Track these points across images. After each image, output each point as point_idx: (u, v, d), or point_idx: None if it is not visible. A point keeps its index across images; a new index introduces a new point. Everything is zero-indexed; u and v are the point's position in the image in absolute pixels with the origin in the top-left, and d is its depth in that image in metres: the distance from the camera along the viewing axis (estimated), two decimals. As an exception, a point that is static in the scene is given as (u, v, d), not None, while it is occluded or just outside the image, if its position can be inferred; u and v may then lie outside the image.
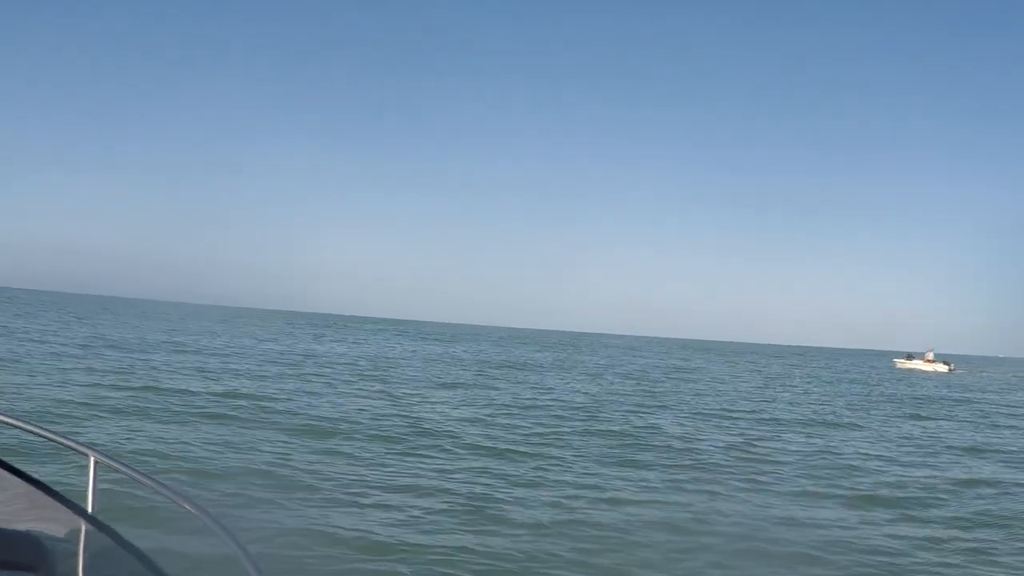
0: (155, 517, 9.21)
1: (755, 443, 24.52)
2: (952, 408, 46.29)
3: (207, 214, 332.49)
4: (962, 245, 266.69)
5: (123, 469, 3.01)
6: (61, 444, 3.18)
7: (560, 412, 29.45)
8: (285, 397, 27.63)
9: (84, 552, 2.97)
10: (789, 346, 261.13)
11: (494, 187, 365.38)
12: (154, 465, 14.60)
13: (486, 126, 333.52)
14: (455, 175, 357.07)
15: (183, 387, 27.80)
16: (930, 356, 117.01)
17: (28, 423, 3.20)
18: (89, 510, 3.03)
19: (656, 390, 43.94)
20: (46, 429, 3.17)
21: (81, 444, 3.11)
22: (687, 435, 25.48)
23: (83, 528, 2.99)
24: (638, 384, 47.33)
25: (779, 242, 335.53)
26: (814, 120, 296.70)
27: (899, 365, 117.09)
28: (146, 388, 26.32)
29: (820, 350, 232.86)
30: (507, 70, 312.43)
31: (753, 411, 35.15)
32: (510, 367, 56.70)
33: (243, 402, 25.10)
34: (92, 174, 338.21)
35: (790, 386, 56.66)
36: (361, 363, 49.16)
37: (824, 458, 22.63)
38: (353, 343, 76.82)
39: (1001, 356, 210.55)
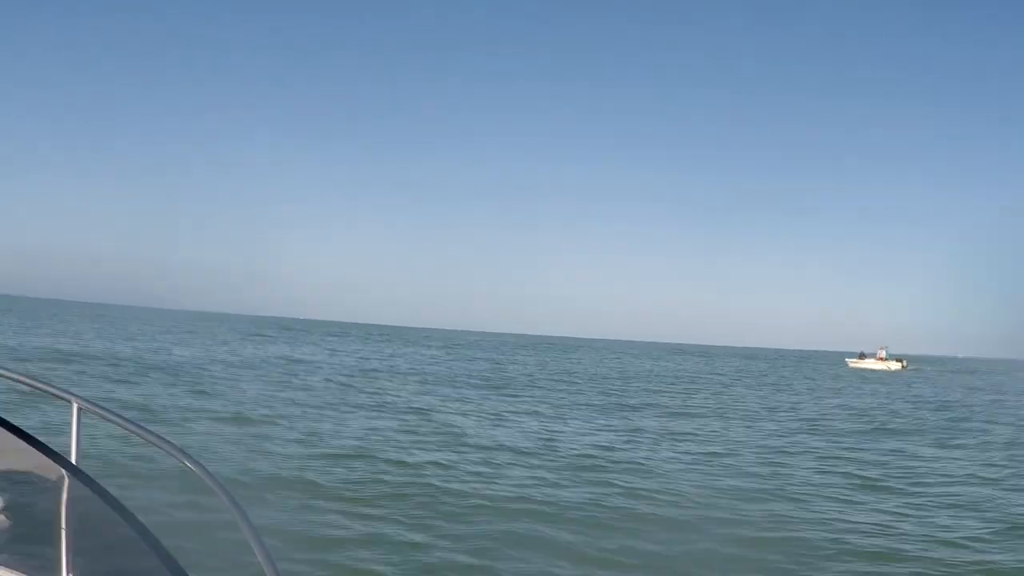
0: (140, 467, 9.71)
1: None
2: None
3: (167, 216, 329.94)
4: (933, 249, 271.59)
5: (108, 416, 2.99)
6: (43, 391, 3.14)
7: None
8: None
9: (67, 503, 2.91)
10: (761, 348, 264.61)
11: (459, 189, 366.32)
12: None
13: (457, 127, 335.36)
14: (423, 178, 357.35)
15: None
16: (882, 354, 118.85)
17: (6, 369, 3.14)
18: (73, 458, 2.98)
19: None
20: (26, 376, 3.13)
21: (63, 390, 3.08)
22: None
23: (66, 478, 2.93)
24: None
25: (761, 247, 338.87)
26: (779, 124, 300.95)
27: (852, 364, 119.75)
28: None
29: (790, 352, 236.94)
30: (487, 74, 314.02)
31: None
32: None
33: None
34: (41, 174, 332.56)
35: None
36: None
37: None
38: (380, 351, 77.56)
39: (961, 356, 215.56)
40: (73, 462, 2.97)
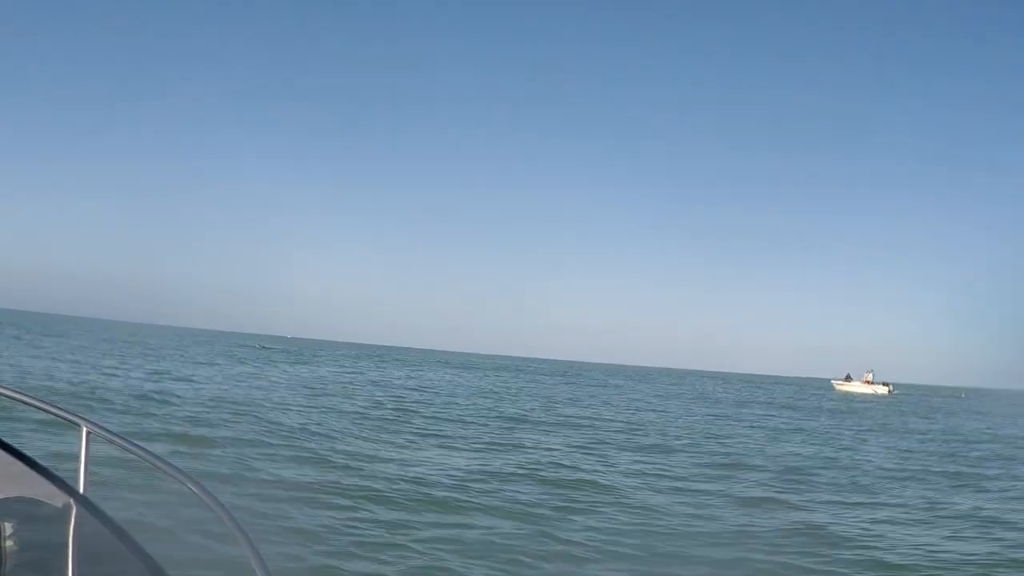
0: (146, 487, 9.60)
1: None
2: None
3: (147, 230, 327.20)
4: (929, 278, 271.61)
5: (117, 440, 2.98)
6: (52, 414, 3.14)
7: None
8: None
9: (74, 531, 2.93)
10: (755, 374, 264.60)
11: (437, 209, 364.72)
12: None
13: (446, 149, 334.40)
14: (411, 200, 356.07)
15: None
16: (868, 377, 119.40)
17: (17, 391, 3.12)
18: (80, 485, 3.00)
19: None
20: (36, 398, 3.12)
21: (72, 414, 3.07)
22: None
23: (73, 506, 2.95)
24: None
25: (759, 274, 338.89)
26: (773, 152, 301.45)
27: (838, 387, 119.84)
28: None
29: (769, 377, 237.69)
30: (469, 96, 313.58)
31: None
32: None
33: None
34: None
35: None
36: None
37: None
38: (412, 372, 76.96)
39: (951, 386, 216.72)
40: (81, 490, 3.00)
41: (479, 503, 15.83)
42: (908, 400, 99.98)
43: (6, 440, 3.14)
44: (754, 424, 43.04)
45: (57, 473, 3.06)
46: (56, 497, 3.01)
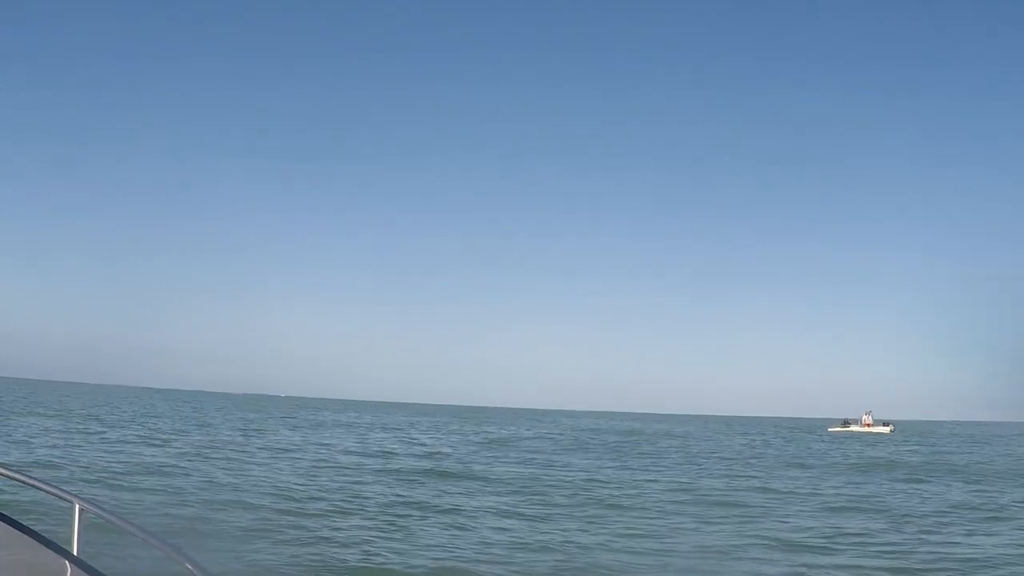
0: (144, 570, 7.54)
1: None
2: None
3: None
4: (907, 311, 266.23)
5: (106, 516, 3.34)
6: (46, 492, 3.47)
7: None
8: None
9: None
10: (740, 416, 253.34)
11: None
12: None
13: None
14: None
15: None
16: (868, 419, 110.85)
17: (11, 469, 3.58)
18: (75, 548, 3.31)
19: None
20: (30, 476, 3.55)
21: (65, 491, 3.41)
22: None
23: (68, 570, 3.25)
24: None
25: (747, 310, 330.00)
26: (757, 189, 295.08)
27: (833, 432, 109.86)
28: None
29: (764, 419, 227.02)
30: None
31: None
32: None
33: None
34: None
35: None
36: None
37: None
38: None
39: (943, 419, 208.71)
40: (75, 553, 3.34)
41: None
42: (923, 438, 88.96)
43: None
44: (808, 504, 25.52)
45: (51, 539, 3.41)
46: (51, 560, 3.30)
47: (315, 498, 23.26)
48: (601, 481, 32.57)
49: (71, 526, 3.28)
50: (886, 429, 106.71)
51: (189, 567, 3.03)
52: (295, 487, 25.46)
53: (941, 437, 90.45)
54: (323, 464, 34.80)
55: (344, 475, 30.48)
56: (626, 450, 55.74)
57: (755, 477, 37.34)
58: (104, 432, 46.57)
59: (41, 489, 3.43)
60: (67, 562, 3.21)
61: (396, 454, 44.27)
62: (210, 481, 25.47)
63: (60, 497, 3.38)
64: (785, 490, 31.64)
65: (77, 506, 3.28)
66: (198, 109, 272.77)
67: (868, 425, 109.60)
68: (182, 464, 30.43)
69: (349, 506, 22.42)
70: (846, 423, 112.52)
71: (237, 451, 38.85)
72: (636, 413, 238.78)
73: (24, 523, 3.36)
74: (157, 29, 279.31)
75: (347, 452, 43.44)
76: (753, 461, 48.90)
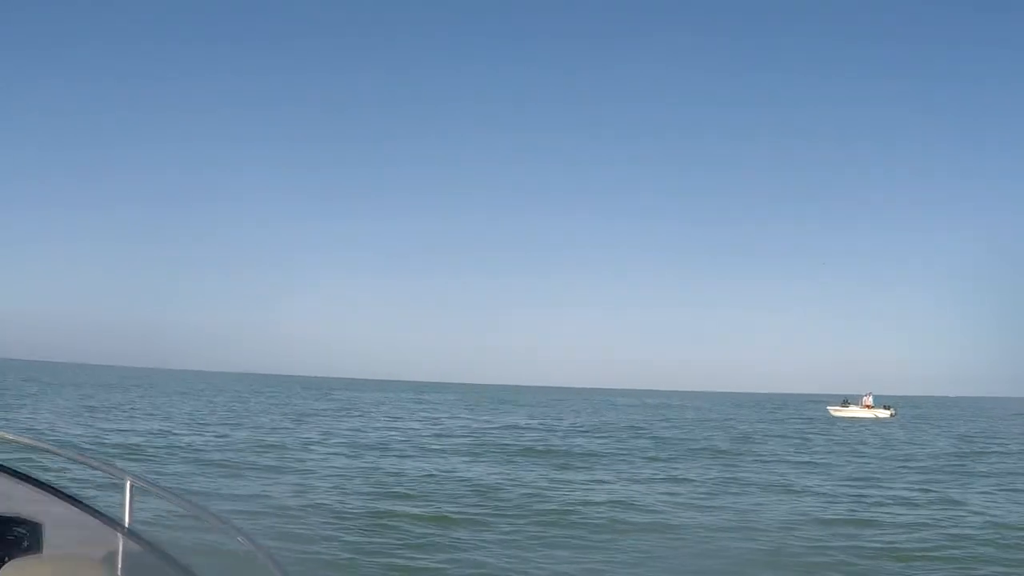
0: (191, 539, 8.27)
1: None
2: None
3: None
4: (921, 288, 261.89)
5: (156, 490, 3.50)
6: (97, 468, 3.69)
7: None
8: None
9: (123, 564, 3.32)
10: (758, 393, 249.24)
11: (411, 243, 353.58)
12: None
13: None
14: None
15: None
16: (868, 401, 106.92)
17: (65, 449, 3.88)
18: (126, 520, 3.40)
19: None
20: (83, 455, 3.81)
21: (117, 468, 3.60)
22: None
23: (121, 541, 3.36)
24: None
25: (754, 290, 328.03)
26: (763, 168, 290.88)
27: (834, 413, 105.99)
28: None
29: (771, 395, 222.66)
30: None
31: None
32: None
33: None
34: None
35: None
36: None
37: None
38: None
39: (952, 396, 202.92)
40: (126, 524, 3.43)
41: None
42: (925, 421, 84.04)
43: (55, 485, 3.53)
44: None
45: (103, 510, 3.50)
46: (104, 532, 3.40)
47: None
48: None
49: (123, 500, 3.38)
50: (886, 413, 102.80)
51: (240, 540, 3.18)
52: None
53: (950, 422, 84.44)
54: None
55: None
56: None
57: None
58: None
59: (90, 465, 3.71)
60: (119, 533, 3.34)
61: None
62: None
63: (110, 473, 3.59)
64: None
65: (128, 481, 3.39)
66: (223, 97, 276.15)
67: (868, 407, 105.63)
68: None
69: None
70: (846, 402, 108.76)
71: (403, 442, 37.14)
72: (661, 391, 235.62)
73: (78, 497, 3.46)
74: (168, 21, 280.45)
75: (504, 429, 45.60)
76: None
